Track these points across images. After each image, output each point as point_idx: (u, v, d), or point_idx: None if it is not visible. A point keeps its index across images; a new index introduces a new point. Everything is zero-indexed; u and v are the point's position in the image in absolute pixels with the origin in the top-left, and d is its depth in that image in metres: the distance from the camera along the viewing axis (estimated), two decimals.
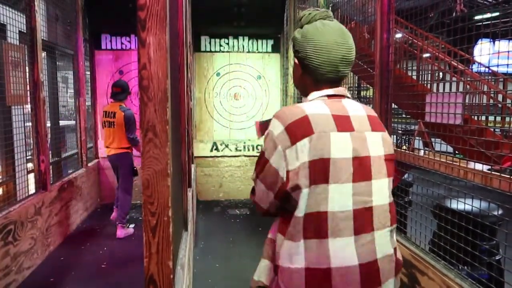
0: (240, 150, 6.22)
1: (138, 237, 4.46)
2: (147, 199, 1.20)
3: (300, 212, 1.10)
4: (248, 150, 6.23)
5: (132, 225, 4.84)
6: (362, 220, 1.11)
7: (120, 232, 4.43)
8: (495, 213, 2.06)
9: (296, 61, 1.27)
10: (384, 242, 1.15)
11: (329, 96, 1.21)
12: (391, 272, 1.16)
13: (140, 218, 5.11)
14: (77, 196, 4.80)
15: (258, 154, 6.07)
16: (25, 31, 3.70)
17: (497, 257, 2.14)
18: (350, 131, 1.13)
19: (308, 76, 1.24)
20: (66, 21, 5.02)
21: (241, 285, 3.37)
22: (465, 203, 2.05)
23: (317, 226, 1.08)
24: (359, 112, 1.19)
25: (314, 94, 1.23)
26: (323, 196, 1.08)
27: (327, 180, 1.08)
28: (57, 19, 4.83)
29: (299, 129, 1.11)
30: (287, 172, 1.10)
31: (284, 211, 1.18)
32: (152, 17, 1.15)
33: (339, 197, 1.09)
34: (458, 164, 2.05)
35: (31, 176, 3.91)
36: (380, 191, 1.15)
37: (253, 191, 1.28)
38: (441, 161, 2.20)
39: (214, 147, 6.17)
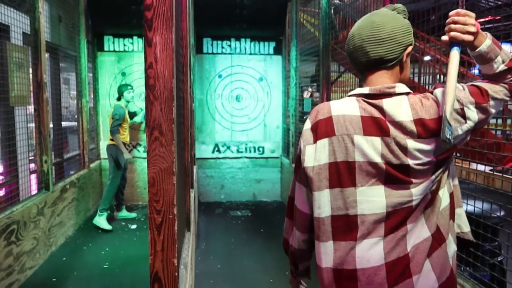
0: (242, 152, 6.24)
1: (140, 237, 4.46)
2: (153, 197, 1.21)
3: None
4: (250, 152, 6.24)
5: (134, 226, 4.85)
6: (396, 222, 1.06)
7: (97, 219, 4.69)
8: (498, 214, 2.07)
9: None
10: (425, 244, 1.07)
11: (366, 95, 1.13)
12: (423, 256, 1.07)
13: (142, 219, 5.12)
14: (79, 197, 4.81)
15: (259, 156, 6.10)
16: (29, 33, 3.73)
17: (500, 258, 2.14)
18: (382, 136, 1.06)
19: (356, 69, 1.21)
20: (69, 23, 5.04)
21: (243, 286, 3.38)
22: (467, 204, 2.06)
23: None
24: (402, 112, 1.06)
25: (354, 90, 1.18)
26: (350, 200, 1.08)
27: (353, 183, 1.08)
28: (60, 21, 4.86)
29: (321, 124, 1.13)
30: (305, 168, 1.15)
31: None
32: (159, 17, 1.16)
33: (368, 200, 1.07)
34: (460, 165, 2.06)
35: (34, 177, 3.92)
36: (421, 187, 1.06)
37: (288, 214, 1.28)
38: None
39: (216, 149, 6.19)
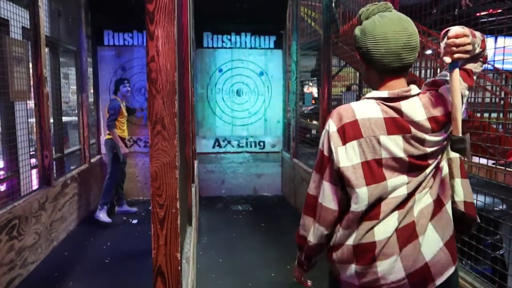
0: (243, 147, 6.23)
1: (141, 232, 4.47)
2: (155, 191, 1.21)
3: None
4: (251, 146, 6.24)
5: (135, 221, 4.86)
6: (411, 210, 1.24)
7: (97, 213, 4.73)
8: (500, 207, 2.07)
9: (359, 57, 1.33)
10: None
11: (385, 99, 1.25)
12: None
13: (143, 213, 5.13)
14: (80, 192, 4.82)
15: (260, 151, 6.10)
16: (28, 27, 3.71)
17: (501, 251, 2.15)
18: (404, 134, 1.22)
19: (373, 70, 1.29)
20: (68, 17, 5.02)
21: (245, 280, 3.39)
22: None
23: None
24: (419, 113, 1.23)
25: (372, 94, 1.29)
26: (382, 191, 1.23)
27: (383, 178, 1.23)
28: (60, 15, 4.84)
29: (348, 127, 1.24)
30: (339, 168, 1.25)
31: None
32: (161, 9, 1.15)
33: (395, 188, 1.23)
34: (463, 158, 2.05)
35: (35, 172, 3.92)
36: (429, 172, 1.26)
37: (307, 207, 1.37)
38: None
39: (217, 144, 6.18)
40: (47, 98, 3.83)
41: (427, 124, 1.21)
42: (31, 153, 3.92)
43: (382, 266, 1.22)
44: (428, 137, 1.21)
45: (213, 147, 6.17)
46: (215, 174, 6.23)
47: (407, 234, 1.22)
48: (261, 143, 6.24)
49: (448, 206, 1.27)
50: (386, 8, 1.27)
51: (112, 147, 4.82)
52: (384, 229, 1.22)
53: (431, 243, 1.22)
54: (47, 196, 3.80)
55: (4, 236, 2.98)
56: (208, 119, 6.18)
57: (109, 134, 4.84)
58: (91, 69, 5.68)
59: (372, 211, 1.23)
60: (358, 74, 4.69)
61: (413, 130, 1.21)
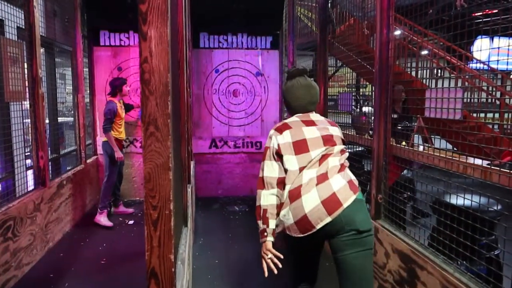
0: (239, 147, 6.22)
1: (137, 232, 4.46)
2: (149, 192, 1.20)
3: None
4: (247, 147, 6.24)
5: (131, 222, 4.84)
6: (325, 166, 1.95)
7: (98, 216, 4.71)
8: (494, 208, 2.07)
9: (284, 100, 2.23)
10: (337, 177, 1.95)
11: (298, 116, 2.14)
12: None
13: (139, 214, 5.12)
14: (76, 193, 4.80)
15: (257, 151, 6.11)
16: (23, 27, 3.69)
17: (496, 252, 2.15)
18: (315, 125, 2.07)
19: (291, 110, 2.19)
20: (64, 17, 5.00)
21: (241, 280, 3.38)
22: (464, 198, 2.06)
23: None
24: (320, 118, 2.15)
25: (292, 117, 2.15)
26: (307, 158, 1.96)
27: (308, 150, 1.97)
28: (55, 15, 4.81)
29: (283, 127, 2.06)
30: (278, 144, 2.00)
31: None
32: (153, 10, 1.14)
33: (316, 153, 1.97)
34: (457, 159, 2.06)
35: (30, 173, 3.90)
36: (336, 137, 2.06)
37: (260, 183, 2.04)
38: (440, 156, 2.20)
39: (213, 144, 6.17)
40: (42, 99, 3.81)
41: (326, 122, 2.12)
42: (26, 153, 3.90)
43: (304, 198, 1.85)
44: (328, 126, 2.09)
45: (210, 147, 6.16)
46: (211, 175, 6.22)
47: (321, 178, 1.89)
48: (258, 144, 6.24)
49: (348, 169, 2.02)
50: (303, 72, 2.17)
51: (109, 150, 4.77)
52: (306, 175, 1.91)
53: (337, 181, 1.88)
54: (42, 197, 3.78)
55: None
56: (205, 120, 6.17)
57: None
58: (87, 70, 5.65)
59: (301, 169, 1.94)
60: (355, 74, 4.69)
61: (319, 124, 2.07)
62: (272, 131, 2.05)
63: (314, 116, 2.12)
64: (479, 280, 1.90)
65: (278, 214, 1.96)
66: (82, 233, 4.40)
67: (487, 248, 2.09)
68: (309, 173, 1.89)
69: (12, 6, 3.50)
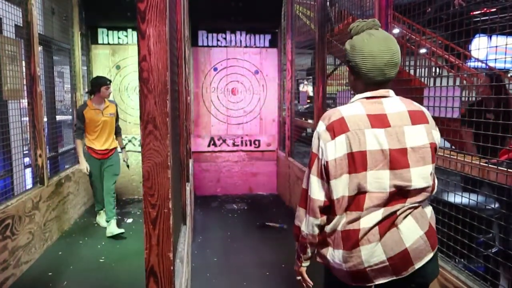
0: (238, 145, 6.23)
1: (136, 231, 4.46)
2: (148, 191, 1.21)
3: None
4: (246, 145, 6.24)
5: (129, 220, 4.84)
6: (399, 197, 1.38)
7: (108, 229, 4.26)
8: (492, 206, 2.08)
9: (348, 68, 1.51)
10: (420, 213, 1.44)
11: (368, 98, 1.44)
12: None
13: (138, 212, 5.12)
14: (75, 191, 4.79)
15: (255, 149, 6.09)
16: (21, 25, 3.68)
17: (494, 250, 2.16)
18: (386, 127, 1.37)
19: (360, 81, 1.46)
20: (62, 15, 4.99)
21: (240, 279, 3.39)
22: (462, 196, 2.07)
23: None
24: (398, 108, 1.42)
25: (356, 97, 1.47)
26: (363, 181, 1.37)
27: (365, 168, 1.35)
28: (54, 13, 4.80)
29: (338, 125, 1.38)
30: (327, 162, 1.39)
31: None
32: (152, 8, 1.15)
33: (377, 182, 1.36)
34: (455, 157, 2.06)
35: (28, 171, 3.90)
36: (420, 176, 1.38)
37: (302, 199, 1.51)
38: (439, 155, 2.21)
39: (212, 142, 6.18)
40: (40, 97, 3.80)
41: (407, 116, 1.40)
42: (24, 152, 3.89)
43: (364, 251, 1.37)
44: (406, 128, 1.38)
45: (208, 146, 6.17)
46: (210, 173, 6.22)
47: (387, 224, 1.38)
48: (256, 142, 6.24)
49: (426, 203, 1.47)
50: (374, 25, 1.44)
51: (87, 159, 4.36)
52: (368, 220, 1.37)
53: (411, 231, 1.38)
54: (41, 196, 3.78)
55: None
56: (203, 118, 6.17)
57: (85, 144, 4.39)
58: (85, 68, 5.64)
59: (355, 201, 1.38)
60: None
61: (393, 123, 1.38)
62: (321, 127, 1.43)
63: (391, 102, 1.44)
64: (476, 277, 1.91)
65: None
66: (81, 232, 4.40)
67: (484, 246, 2.10)
68: (371, 216, 1.37)
69: (10, 4, 3.49)
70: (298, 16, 5.71)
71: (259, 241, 4.21)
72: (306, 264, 1.61)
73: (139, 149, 5.63)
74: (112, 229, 4.18)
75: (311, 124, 4.67)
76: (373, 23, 1.45)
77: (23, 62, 3.70)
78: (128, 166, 4.69)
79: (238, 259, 3.80)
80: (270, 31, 6.16)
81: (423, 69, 3.44)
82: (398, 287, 1.43)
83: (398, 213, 1.39)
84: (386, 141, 1.36)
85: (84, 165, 4.27)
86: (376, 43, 1.40)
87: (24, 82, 3.71)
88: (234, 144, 6.22)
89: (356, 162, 1.35)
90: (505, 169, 1.73)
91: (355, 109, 1.41)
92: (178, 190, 2.20)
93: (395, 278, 1.39)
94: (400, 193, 1.38)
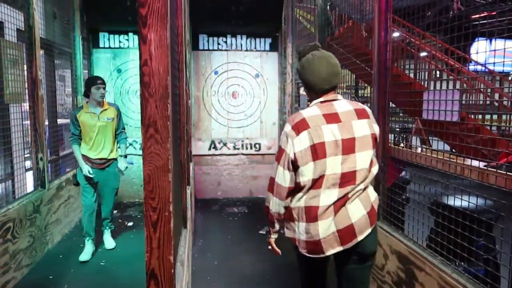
0: (238, 149, 6.24)
1: (136, 234, 4.46)
2: (148, 194, 1.21)
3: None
4: (246, 148, 6.24)
5: (130, 223, 4.85)
6: (349, 178, 1.79)
7: (105, 244, 4.07)
8: (491, 209, 2.08)
9: (303, 85, 1.93)
10: (364, 194, 1.87)
11: (322, 102, 1.86)
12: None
13: (139, 216, 5.12)
14: (76, 194, 4.80)
15: (256, 153, 6.06)
16: (23, 29, 3.70)
17: (493, 253, 2.16)
18: (338, 122, 1.79)
19: (312, 91, 1.89)
20: (64, 19, 5.01)
21: (240, 282, 3.39)
22: (461, 199, 2.07)
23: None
24: (346, 108, 1.84)
25: (313, 102, 1.88)
26: (323, 166, 1.76)
27: (325, 155, 1.75)
28: (55, 17, 4.83)
29: (300, 125, 1.78)
30: (294, 153, 1.77)
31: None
32: (153, 13, 1.16)
33: (333, 166, 1.76)
34: (455, 161, 2.07)
35: (29, 174, 3.91)
36: (362, 159, 1.81)
37: (271, 185, 1.90)
38: (438, 158, 2.22)
39: (212, 146, 6.18)
40: (42, 101, 3.82)
41: (353, 113, 1.82)
42: (26, 155, 3.90)
43: (321, 225, 1.78)
44: (353, 122, 1.80)
45: (209, 149, 6.18)
46: (211, 176, 6.23)
47: (340, 204, 1.79)
48: (257, 145, 6.25)
49: (370, 188, 1.90)
50: (316, 47, 1.89)
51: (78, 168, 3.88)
52: (326, 198, 1.77)
53: (356, 210, 1.81)
54: (41, 199, 3.78)
55: None
56: (204, 121, 6.18)
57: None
58: (87, 71, 5.67)
59: (317, 182, 1.78)
60: (354, 76, 4.70)
61: (343, 119, 1.79)
62: (288, 128, 1.81)
63: (340, 104, 1.84)
64: (476, 281, 1.91)
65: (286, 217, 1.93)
66: (81, 235, 4.40)
67: (484, 249, 2.10)
68: (329, 195, 1.76)
69: (12, 8, 3.51)
70: (298, 20, 5.74)
71: (259, 244, 4.21)
72: (274, 236, 2.05)
73: (140, 152, 5.65)
74: (108, 241, 4.05)
75: None
76: (315, 46, 1.89)
77: (25, 66, 3.72)
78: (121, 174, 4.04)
79: (239, 262, 3.80)
80: (271, 35, 6.18)
81: (423, 73, 3.46)
82: (344, 257, 1.87)
83: (349, 195, 1.79)
84: (339, 133, 1.76)
85: (85, 168, 3.76)
86: (319, 61, 1.83)
87: (26, 86, 3.73)
88: (234, 148, 6.23)
89: (318, 151, 1.74)
90: (504, 172, 1.74)
91: (313, 111, 1.81)
92: (179, 193, 2.21)
93: (341, 248, 1.79)
94: (349, 175, 1.78)
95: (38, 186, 3.86)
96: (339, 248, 1.79)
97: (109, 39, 5.70)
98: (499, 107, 3.54)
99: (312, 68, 1.83)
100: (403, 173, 2.96)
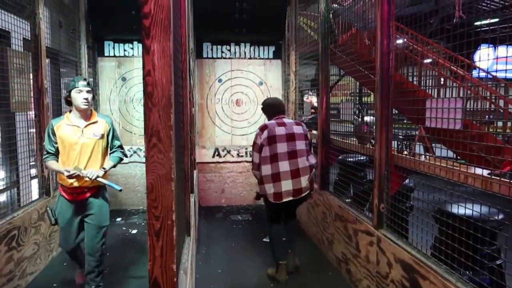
0: (242, 156, 6.24)
1: (140, 242, 4.47)
2: (151, 203, 1.22)
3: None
4: (250, 156, 6.24)
5: (134, 231, 4.85)
6: (293, 155, 3.39)
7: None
8: (496, 217, 2.07)
9: (265, 112, 3.73)
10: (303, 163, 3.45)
11: (275, 119, 3.56)
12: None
13: (143, 223, 5.13)
14: None
15: None
16: (29, 38, 3.75)
17: (499, 262, 2.14)
18: (284, 126, 3.45)
19: (269, 116, 3.65)
20: (69, 28, 5.07)
21: None
22: (465, 208, 2.06)
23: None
24: (289, 121, 3.55)
25: (271, 120, 3.58)
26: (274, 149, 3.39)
27: (275, 142, 3.38)
28: (61, 26, 4.88)
29: (263, 127, 3.47)
30: (261, 141, 3.42)
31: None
32: (156, 25, 1.17)
33: (281, 147, 3.39)
34: (458, 168, 2.06)
35: (35, 182, 3.93)
36: (299, 144, 3.42)
37: (253, 164, 3.56)
38: (442, 166, 2.21)
39: (216, 153, 6.20)
40: (47, 109, 3.85)
41: (293, 123, 3.52)
42: (31, 163, 3.93)
43: (283, 183, 3.36)
44: (294, 126, 3.52)
45: (213, 156, 6.19)
46: (214, 184, 6.23)
47: (295, 173, 3.38)
48: None
49: (308, 161, 3.50)
50: (270, 98, 4.04)
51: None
52: (282, 167, 3.34)
53: (303, 179, 3.40)
54: (46, 207, 3.80)
55: (3, 247, 2.99)
56: (208, 129, 6.20)
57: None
58: (92, 80, 5.72)
59: (274, 158, 3.35)
60: (358, 83, 4.71)
61: (288, 126, 3.45)
62: (258, 130, 3.48)
63: (285, 119, 3.53)
64: None
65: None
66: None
67: (489, 257, 2.08)
68: (284, 165, 3.34)
69: (18, 18, 3.56)
70: (301, 28, 5.75)
71: (263, 252, 4.20)
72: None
73: (144, 160, 5.66)
74: None
75: (315, 135, 4.68)
76: (270, 98, 4.17)
77: (31, 75, 3.76)
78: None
79: (243, 270, 3.79)
80: (274, 43, 6.22)
81: (427, 80, 3.45)
82: (293, 203, 3.46)
83: (299, 168, 3.37)
84: (285, 131, 3.39)
85: (69, 168, 2.77)
86: (272, 101, 3.76)
87: (32, 94, 3.77)
88: (238, 155, 6.24)
89: (272, 140, 3.35)
90: (508, 180, 1.73)
91: (271, 122, 3.48)
92: (182, 202, 2.21)
93: (292, 198, 3.37)
94: (293, 153, 3.36)
95: (43, 194, 3.88)
96: (291, 198, 3.37)
97: (114, 48, 5.76)
98: (504, 114, 3.53)
99: (271, 104, 3.67)
100: (407, 180, 2.95)
